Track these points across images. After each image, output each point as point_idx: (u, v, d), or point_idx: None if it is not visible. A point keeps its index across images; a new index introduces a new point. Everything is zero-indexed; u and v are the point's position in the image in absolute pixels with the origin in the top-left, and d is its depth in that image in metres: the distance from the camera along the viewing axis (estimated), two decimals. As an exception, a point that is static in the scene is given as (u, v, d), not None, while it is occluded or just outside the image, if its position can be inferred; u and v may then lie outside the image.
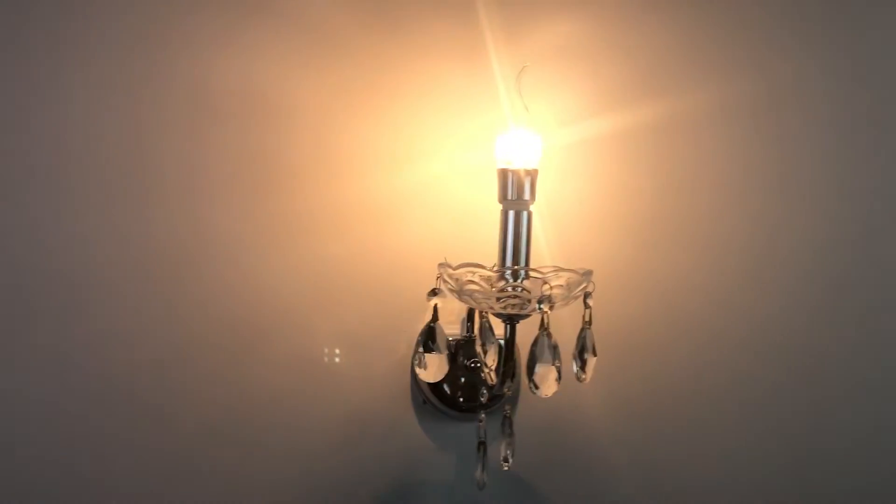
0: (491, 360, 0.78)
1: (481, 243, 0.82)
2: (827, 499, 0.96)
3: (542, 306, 0.68)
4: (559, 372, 0.70)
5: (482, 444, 0.82)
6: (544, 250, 0.86)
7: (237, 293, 0.84)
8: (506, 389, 0.77)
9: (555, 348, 0.69)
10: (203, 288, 0.83)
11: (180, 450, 0.84)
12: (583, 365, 0.74)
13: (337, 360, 0.86)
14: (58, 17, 0.79)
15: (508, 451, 0.79)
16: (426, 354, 0.73)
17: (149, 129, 0.81)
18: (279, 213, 0.84)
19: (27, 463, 0.81)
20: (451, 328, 0.86)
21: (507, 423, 0.80)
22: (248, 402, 0.85)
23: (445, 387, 0.88)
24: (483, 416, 0.82)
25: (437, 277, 0.73)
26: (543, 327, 0.72)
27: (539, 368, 0.70)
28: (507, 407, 0.80)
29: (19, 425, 0.81)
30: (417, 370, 0.75)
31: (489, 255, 0.77)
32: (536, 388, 0.73)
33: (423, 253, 0.85)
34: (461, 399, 0.87)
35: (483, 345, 0.79)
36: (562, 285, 0.70)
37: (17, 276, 0.79)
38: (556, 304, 0.72)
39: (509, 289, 0.71)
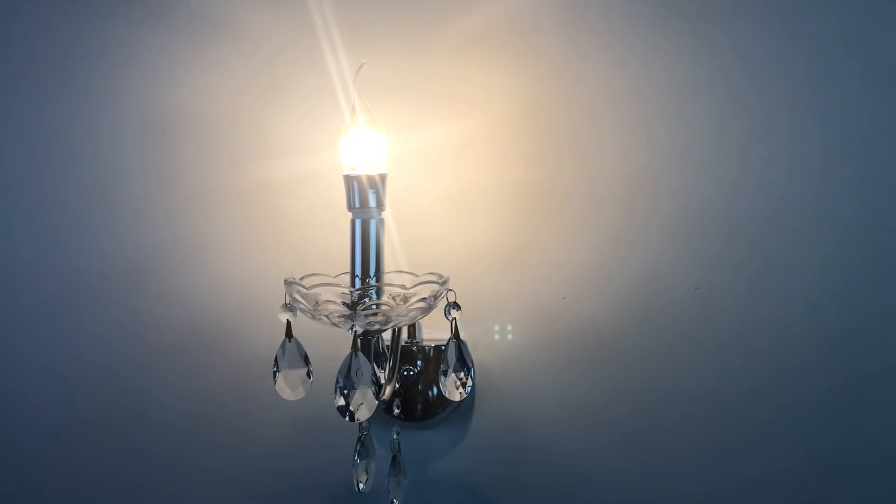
0: (380, 374, 0.74)
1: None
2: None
3: (355, 328, 0.63)
4: (377, 393, 0.67)
5: (395, 460, 0.79)
6: (401, 258, 0.80)
7: (188, 300, 0.88)
8: (384, 396, 0.72)
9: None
10: (155, 296, 0.89)
11: (136, 456, 0.90)
12: (448, 382, 0.69)
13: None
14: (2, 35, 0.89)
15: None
16: (276, 373, 0.70)
17: (98, 144, 0.88)
18: (225, 222, 0.87)
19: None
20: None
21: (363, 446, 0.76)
22: (199, 408, 0.89)
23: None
24: (397, 428, 0.79)
25: (285, 293, 0.71)
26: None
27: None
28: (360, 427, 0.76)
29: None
30: (277, 390, 0.72)
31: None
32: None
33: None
34: (398, 409, 0.84)
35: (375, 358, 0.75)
36: (385, 302, 0.64)
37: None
38: (398, 320, 0.66)
39: (335, 307, 0.66)
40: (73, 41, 0.89)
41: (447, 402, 0.83)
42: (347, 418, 0.65)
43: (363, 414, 0.64)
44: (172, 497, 0.90)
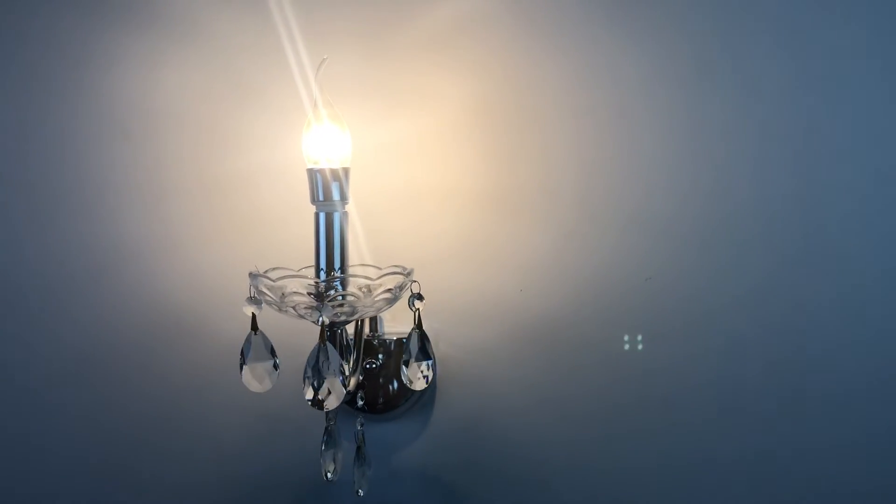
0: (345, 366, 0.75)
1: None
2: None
3: (322, 318, 0.65)
4: (345, 383, 0.68)
5: (359, 450, 0.80)
6: (364, 252, 0.82)
7: (148, 296, 0.88)
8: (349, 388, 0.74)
9: (335, 359, 0.66)
10: (115, 292, 0.89)
11: (97, 453, 0.90)
12: (410, 371, 0.70)
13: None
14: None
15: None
16: (243, 366, 0.71)
17: (52, 140, 0.88)
18: (184, 219, 0.88)
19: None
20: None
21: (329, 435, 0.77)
22: (161, 404, 0.89)
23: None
24: (361, 418, 0.80)
25: (250, 286, 0.71)
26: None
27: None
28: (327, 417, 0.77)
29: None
30: (245, 383, 0.73)
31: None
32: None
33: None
34: (361, 401, 0.85)
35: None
36: (351, 293, 0.66)
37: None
38: (364, 311, 0.68)
39: (301, 298, 0.68)
40: (27, 37, 0.88)
41: (409, 394, 0.85)
42: (317, 408, 0.66)
43: (332, 403, 0.65)
44: (136, 493, 0.90)
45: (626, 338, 0.84)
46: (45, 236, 0.89)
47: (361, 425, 0.79)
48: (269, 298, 0.68)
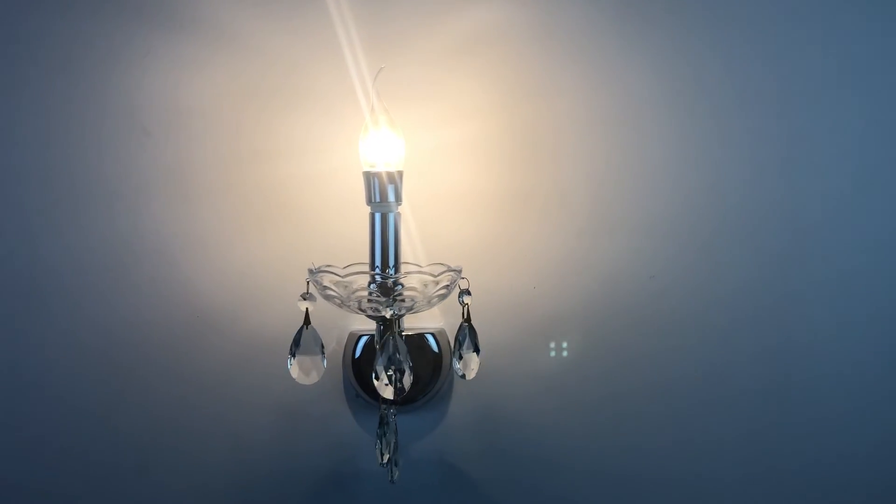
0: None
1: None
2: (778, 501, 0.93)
3: (394, 310, 0.69)
4: (396, 374, 0.72)
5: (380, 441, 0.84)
6: (442, 248, 0.87)
7: (167, 294, 0.89)
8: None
9: (397, 350, 0.71)
10: (134, 290, 0.89)
11: (115, 448, 0.91)
12: (464, 363, 0.75)
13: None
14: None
15: (392, 455, 0.81)
16: (291, 357, 0.75)
17: (73, 140, 0.88)
18: (206, 217, 0.89)
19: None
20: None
21: (386, 423, 0.80)
22: (182, 400, 0.90)
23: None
24: (389, 410, 0.83)
25: (307, 281, 0.75)
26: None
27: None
28: (382, 406, 0.81)
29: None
30: (292, 374, 0.77)
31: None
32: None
33: (352, 249, 0.86)
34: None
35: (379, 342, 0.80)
36: (415, 287, 0.70)
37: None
38: (418, 306, 0.72)
39: (369, 291, 0.72)
40: (52, 34, 0.88)
41: (428, 387, 0.89)
42: (384, 399, 0.71)
43: (387, 392, 0.71)
44: (157, 492, 0.91)
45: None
46: (64, 233, 0.89)
47: (394, 415, 0.83)
48: (332, 293, 0.71)
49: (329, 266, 0.76)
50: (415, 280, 0.71)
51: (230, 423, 0.91)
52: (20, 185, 0.88)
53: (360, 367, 0.89)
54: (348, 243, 0.87)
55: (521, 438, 0.92)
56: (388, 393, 0.70)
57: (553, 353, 0.90)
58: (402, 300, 0.71)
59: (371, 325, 0.88)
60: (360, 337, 0.89)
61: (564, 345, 0.90)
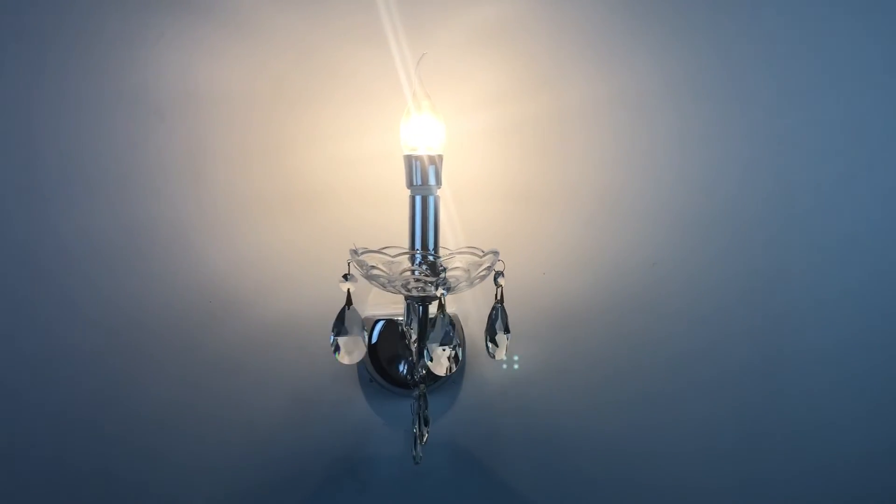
0: (413, 337, 0.81)
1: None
2: (770, 470, 0.98)
3: (442, 289, 0.70)
4: (456, 353, 0.74)
5: (418, 420, 0.85)
6: (459, 233, 0.89)
7: (183, 278, 0.89)
8: (420, 368, 0.79)
9: (449, 329, 0.73)
10: (149, 274, 0.88)
11: (132, 432, 0.89)
12: (495, 342, 0.77)
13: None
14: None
15: (425, 431, 0.82)
16: (337, 338, 0.76)
17: (86, 124, 0.87)
18: (221, 201, 0.89)
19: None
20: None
21: (422, 401, 0.82)
22: (196, 385, 0.90)
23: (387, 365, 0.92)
24: (417, 391, 0.85)
25: (349, 262, 0.76)
26: (440, 308, 0.76)
27: (430, 350, 0.74)
28: (421, 385, 0.82)
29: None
30: (335, 355, 0.78)
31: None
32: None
33: (370, 235, 0.88)
34: (407, 377, 0.91)
35: (408, 323, 0.81)
36: (460, 267, 0.72)
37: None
38: (461, 285, 0.74)
39: (411, 273, 0.73)
40: (67, 14, 0.86)
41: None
42: (447, 372, 0.73)
43: (439, 369, 0.73)
44: (170, 477, 0.90)
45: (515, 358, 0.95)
46: (78, 217, 0.87)
47: (424, 397, 0.84)
48: (379, 272, 0.72)
49: (365, 248, 0.77)
50: (461, 260, 0.73)
51: (245, 409, 0.91)
52: (34, 169, 0.86)
53: (376, 352, 0.91)
54: (368, 229, 0.89)
55: (531, 421, 0.95)
56: (441, 369, 0.72)
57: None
58: (445, 281, 0.72)
59: (386, 311, 0.91)
60: (377, 322, 0.90)
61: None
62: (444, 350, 0.71)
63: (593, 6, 0.93)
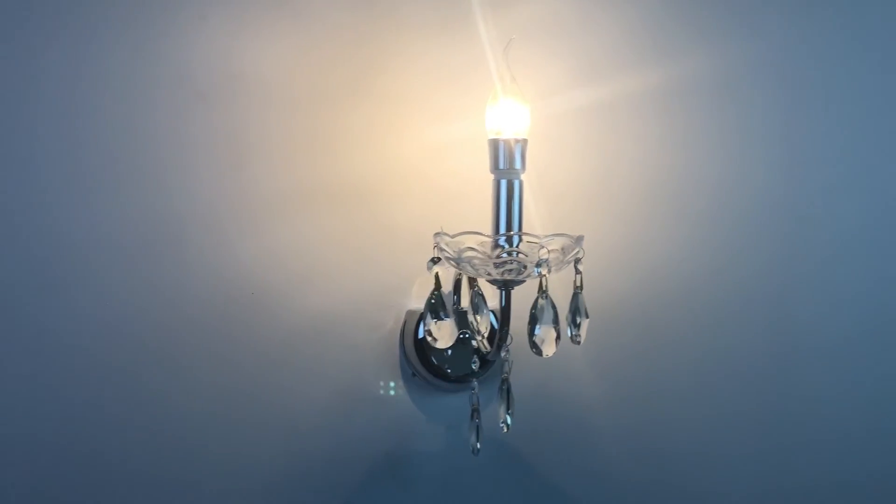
0: (483, 328, 0.80)
1: (469, 214, 0.83)
2: (809, 466, 1.02)
3: (540, 270, 0.70)
4: (558, 333, 0.74)
5: (475, 412, 0.84)
6: (535, 219, 0.88)
7: (223, 271, 0.85)
8: (503, 354, 0.79)
9: (554, 310, 0.72)
10: (188, 267, 0.84)
11: (171, 429, 0.84)
12: (578, 327, 0.77)
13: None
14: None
15: (508, 414, 0.82)
16: (436, 322, 0.75)
17: (129, 110, 0.82)
18: (264, 190, 0.85)
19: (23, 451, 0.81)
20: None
21: (505, 386, 0.81)
22: (235, 380, 0.86)
23: (433, 358, 0.90)
24: (476, 383, 0.85)
25: (434, 246, 0.74)
26: (543, 290, 0.75)
27: (540, 330, 0.73)
28: (504, 373, 0.82)
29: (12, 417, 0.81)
30: (429, 339, 0.77)
31: (478, 225, 0.78)
32: (538, 349, 0.76)
33: (411, 228, 0.87)
34: (449, 370, 0.89)
35: (475, 314, 0.80)
36: (557, 250, 0.72)
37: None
38: (553, 268, 0.74)
39: (506, 255, 0.73)
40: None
41: (488, 364, 0.88)
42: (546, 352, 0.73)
43: (549, 349, 0.72)
44: (207, 473, 0.86)
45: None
46: (113, 201, 0.82)
47: (506, 380, 0.82)
48: (474, 254, 0.71)
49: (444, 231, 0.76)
50: (557, 243, 0.73)
51: (283, 403, 0.87)
52: (71, 152, 0.80)
53: (420, 346, 0.89)
54: (406, 221, 0.88)
55: (570, 415, 0.95)
56: (550, 350, 0.72)
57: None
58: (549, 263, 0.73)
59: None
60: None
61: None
62: (549, 330, 0.71)
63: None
